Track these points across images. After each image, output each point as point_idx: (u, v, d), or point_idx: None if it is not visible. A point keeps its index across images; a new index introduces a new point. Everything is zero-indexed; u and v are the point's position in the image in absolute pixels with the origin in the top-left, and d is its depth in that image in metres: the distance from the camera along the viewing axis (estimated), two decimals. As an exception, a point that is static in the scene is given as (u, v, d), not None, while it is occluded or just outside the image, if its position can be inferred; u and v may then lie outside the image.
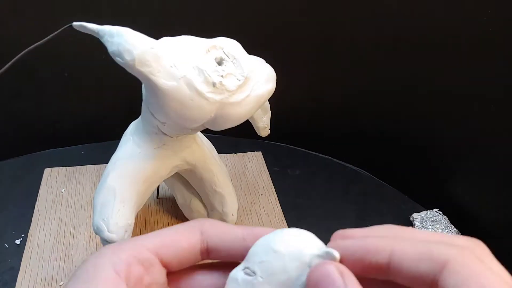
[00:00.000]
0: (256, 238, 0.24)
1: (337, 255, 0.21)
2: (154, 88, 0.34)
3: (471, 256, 0.19)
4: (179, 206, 0.51)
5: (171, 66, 0.34)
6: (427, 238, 0.21)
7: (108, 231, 0.38)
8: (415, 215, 0.55)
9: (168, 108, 0.35)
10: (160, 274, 0.24)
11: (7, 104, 0.65)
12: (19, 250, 0.49)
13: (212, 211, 0.49)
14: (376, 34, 0.60)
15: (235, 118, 0.37)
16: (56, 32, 0.35)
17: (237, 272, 0.23)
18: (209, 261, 0.26)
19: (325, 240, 0.23)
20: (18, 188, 0.57)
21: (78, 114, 0.67)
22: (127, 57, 0.32)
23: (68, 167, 0.57)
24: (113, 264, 0.23)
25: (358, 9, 0.59)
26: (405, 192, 0.61)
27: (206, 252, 0.25)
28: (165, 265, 0.25)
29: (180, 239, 0.25)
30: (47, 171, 0.57)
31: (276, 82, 0.40)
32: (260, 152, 0.62)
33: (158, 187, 0.54)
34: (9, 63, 0.35)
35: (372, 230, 0.23)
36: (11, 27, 0.59)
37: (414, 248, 0.20)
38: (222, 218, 0.48)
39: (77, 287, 0.22)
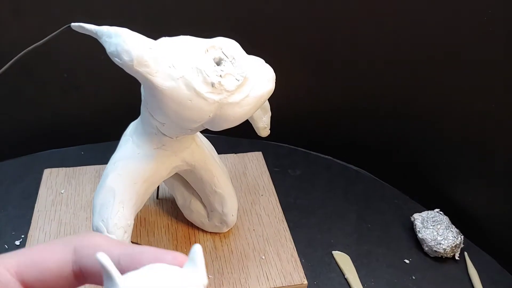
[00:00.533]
0: (133, 260, 0.21)
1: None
2: (153, 88, 0.34)
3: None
4: (179, 206, 0.51)
5: (169, 67, 0.34)
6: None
7: (108, 232, 0.38)
8: (416, 215, 0.55)
9: (166, 108, 0.35)
10: None
11: (7, 104, 0.65)
12: (19, 251, 0.49)
13: (212, 211, 0.49)
14: (376, 35, 0.60)
15: (234, 119, 0.37)
16: (55, 33, 0.36)
17: None
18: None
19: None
20: (17, 189, 0.57)
21: (77, 115, 0.67)
22: (125, 58, 0.32)
23: (67, 168, 0.57)
24: None
25: (358, 9, 0.59)
26: (406, 192, 0.61)
27: (82, 275, 0.21)
28: None
29: (47, 258, 0.21)
30: (46, 171, 0.57)
31: (276, 82, 0.39)
32: (260, 153, 0.62)
33: (158, 187, 0.53)
34: (8, 64, 0.35)
35: None
36: (10, 27, 0.59)
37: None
38: (222, 218, 0.48)
39: None
